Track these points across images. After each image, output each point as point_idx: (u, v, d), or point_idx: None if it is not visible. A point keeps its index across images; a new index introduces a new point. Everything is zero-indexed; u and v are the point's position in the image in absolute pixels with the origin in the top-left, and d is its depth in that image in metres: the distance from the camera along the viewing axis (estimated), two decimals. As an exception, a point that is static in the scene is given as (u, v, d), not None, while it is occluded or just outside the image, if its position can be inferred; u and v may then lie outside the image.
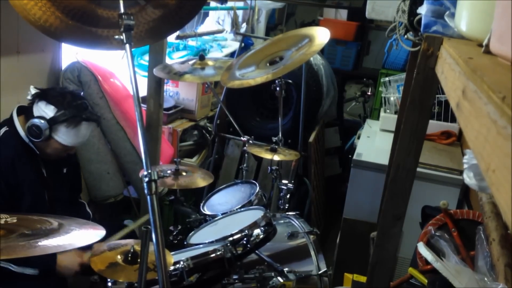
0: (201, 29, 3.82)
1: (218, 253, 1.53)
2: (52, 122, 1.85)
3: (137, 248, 1.34)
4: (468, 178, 1.03)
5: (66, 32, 1.31)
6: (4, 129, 1.89)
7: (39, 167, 1.95)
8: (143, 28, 1.40)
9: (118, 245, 1.43)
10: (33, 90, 1.90)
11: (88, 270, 1.84)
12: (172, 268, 1.45)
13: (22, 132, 1.88)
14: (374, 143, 3.00)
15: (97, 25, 1.33)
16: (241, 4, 4.17)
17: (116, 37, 1.21)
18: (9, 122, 1.90)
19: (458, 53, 0.77)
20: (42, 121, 1.84)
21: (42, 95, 1.89)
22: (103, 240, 1.32)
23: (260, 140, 2.59)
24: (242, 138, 2.46)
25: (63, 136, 1.88)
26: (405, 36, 1.68)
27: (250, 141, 2.40)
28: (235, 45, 3.74)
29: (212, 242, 1.63)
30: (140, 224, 2.16)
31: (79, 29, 1.32)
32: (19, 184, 1.86)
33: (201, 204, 2.17)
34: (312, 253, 1.84)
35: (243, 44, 3.50)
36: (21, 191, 1.87)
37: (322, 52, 4.20)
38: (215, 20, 4.05)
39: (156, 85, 2.46)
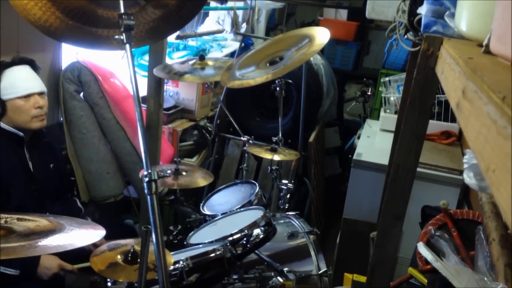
0: (201, 29, 3.82)
1: (218, 253, 1.53)
2: None
3: (137, 248, 1.35)
4: (468, 178, 1.03)
5: (66, 32, 1.31)
6: None
7: (25, 161, 1.94)
8: (143, 28, 1.40)
9: (118, 245, 1.43)
10: None
11: (69, 273, 1.86)
12: (172, 268, 1.45)
13: (1, 123, 1.88)
14: (374, 143, 3.01)
15: (97, 25, 1.33)
16: (241, 4, 4.17)
17: (116, 37, 1.21)
18: None
19: (458, 53, 0.77)
20: None
21: None
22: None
23: (260, 140, 2.59)
24: (242, 138, 2.46)
25: (11, 88, 1.87)
26: (405, 36, 1.68)
27: (250, 141, 2.40)
28: (235, 45, 3.74)
29: (212, 242, 1.63)
30: None
31: (79, 29, 1.32)
32: (6, 178, 1.84)
33: (201, 204, 2.17)
34: (312, 253, 1.84)
35: (243, 44, 3.50)
36: (9, 184, 1.85)
37: (322, 52, 4.19)
38: (215, 20, 4.05)
39: (156, 85, 2.46)
